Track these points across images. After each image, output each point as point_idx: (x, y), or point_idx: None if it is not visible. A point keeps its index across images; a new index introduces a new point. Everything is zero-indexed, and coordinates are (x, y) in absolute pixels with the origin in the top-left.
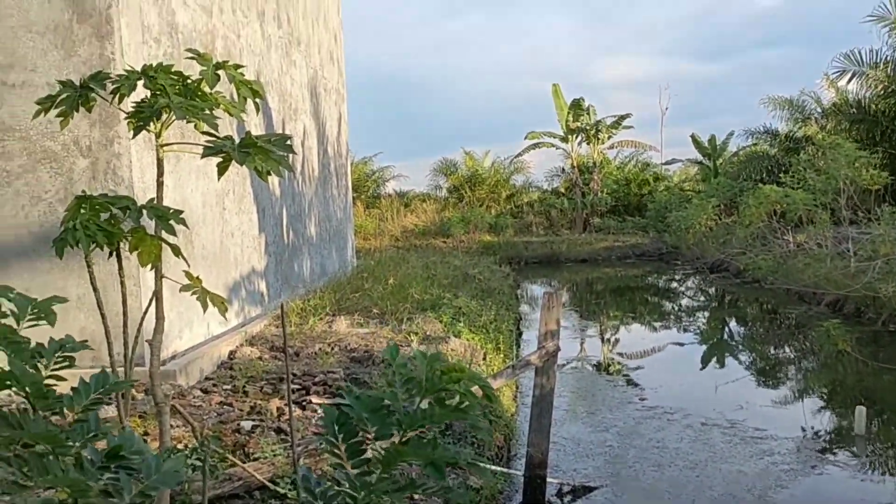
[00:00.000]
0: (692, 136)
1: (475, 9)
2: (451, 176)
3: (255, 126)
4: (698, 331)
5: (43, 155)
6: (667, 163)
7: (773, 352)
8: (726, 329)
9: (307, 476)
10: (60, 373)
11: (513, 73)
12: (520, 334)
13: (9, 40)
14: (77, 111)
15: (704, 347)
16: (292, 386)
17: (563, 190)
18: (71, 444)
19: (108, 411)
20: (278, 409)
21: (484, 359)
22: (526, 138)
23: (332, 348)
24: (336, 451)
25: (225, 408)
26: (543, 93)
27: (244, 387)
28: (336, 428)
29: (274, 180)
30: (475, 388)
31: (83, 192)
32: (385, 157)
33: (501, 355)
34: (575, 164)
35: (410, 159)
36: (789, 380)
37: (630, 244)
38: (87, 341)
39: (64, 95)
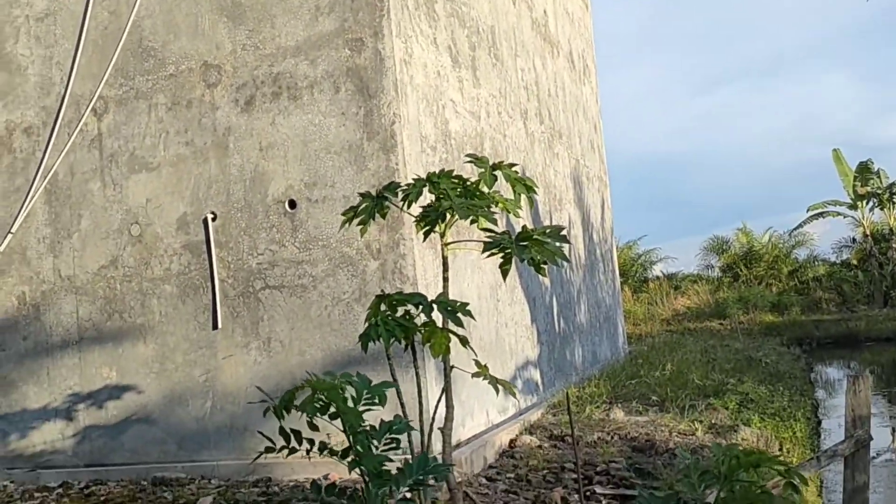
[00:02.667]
0: None
1: (735, 80)
2: (724, 254)
3: (524, 219)
4: None
5: (341, 260)
6: None
7: None
8: None
9: None
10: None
11: (783, 143)
12: (818, 423)
13: (312, 161)
14: (374, 219)
15: None
16: (573, 475)
17: (854, 262)
18: None
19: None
20: (562, 498)
21: (780, 449)
22: (808, 209)
23: (612, 437)
24: None
25: (510, 496)
26: (818, 161)
27: (527, 475)
28: None
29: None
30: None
31: (382, 291)
32: (650, 240)
33: (800, 446)
34: (868, 232)
35: (677, 240)
36: None
37: None
38: (411, 421)
39: (364, 205)
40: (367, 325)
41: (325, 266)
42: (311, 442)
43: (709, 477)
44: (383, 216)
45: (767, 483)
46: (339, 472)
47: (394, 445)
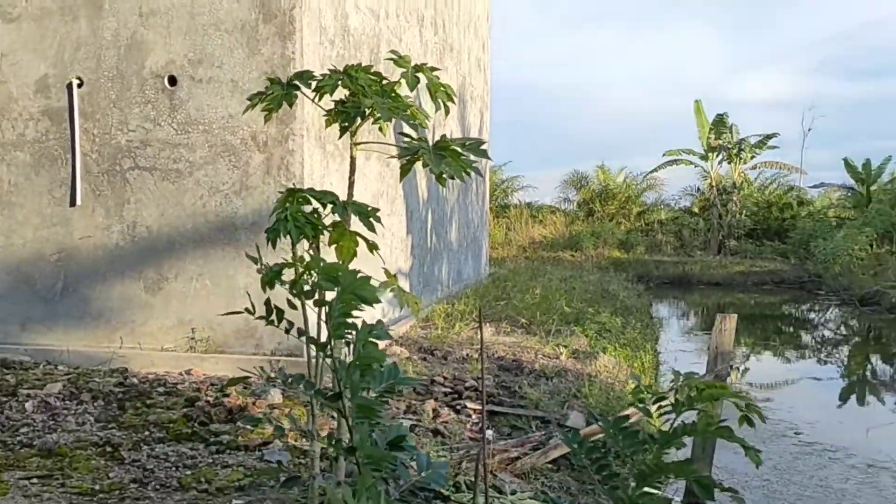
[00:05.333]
0: (845, 160)
1: (610, 21)
2: (582, 189)
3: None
4: (840, 366)
5: (223, 148)
6: (813, 186)
7: None
8: (872, 366)
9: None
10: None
11: (649, 89)
12: (658, 355)
13: (199, 37)
14: (280, 108)
15: (846, 384)
16: (443, 389)
17: (696, 209)
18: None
19: (275, 396)
20: (434, 409)
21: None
22: (664, 155)
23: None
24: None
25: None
26: (682, 110)
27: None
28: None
29: (422, 184)
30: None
31: (293, 186)
32: (514, 167)
33: (646, 375)
34: (714, 183)
35: (540, 170)
36: None
37: (768, 270)
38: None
39: (272, 93)
40: (273, 218)
41: (204, 152)
42: (291, 323)
43: (667, 404)
44: (291, 105)
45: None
46: (202, 369)
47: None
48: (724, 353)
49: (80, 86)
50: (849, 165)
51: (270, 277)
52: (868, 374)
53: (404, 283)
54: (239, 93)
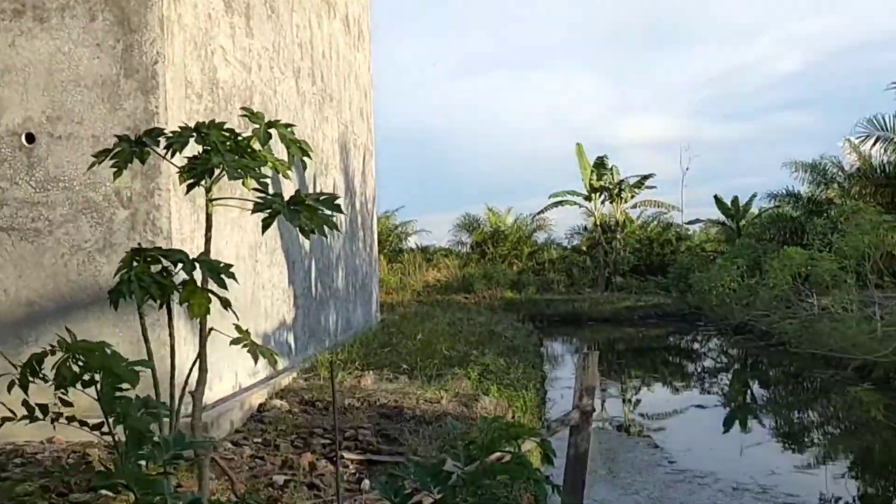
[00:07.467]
0: (715, 197)
1: (498, 68)
2: (475, 232)
3: (288, 181)
4: (722, 393)
5: (84, 205)
6: (689, 222)
7: (799, 416)
8: (749, 392)
9: None
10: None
11: (536, 133)
12: (545, 393)
13: (58, 93)
14: (131, 164)
15: (727, 410)
16: (322, 440)
17: (584, 248)
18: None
19: None
20: (310, 463)
21: (513, 418)
22: (550, 196)
23: (362, 403)
24: None
25: (257, 461)
26: (567, 153)
27: (275, 440)
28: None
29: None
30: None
31: (134, 243)
32: (407, 212)
33: (529, 413)
34: (598, 222)
35: (433, 214)
36: (817, 445)
37: (652, 304)
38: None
39: (119, 150)
40: (118, 279)
41: (65, 210)
42: (59, 413)
43: (474, 448)
44: (143, 162)
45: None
46: (64, 436)
47: (150, 420)
48: (589, 388)
49: None
50: (719, 202)
51: (29, 371)
52: (747, 399)
53: (288, 335)
54: (101, 148)
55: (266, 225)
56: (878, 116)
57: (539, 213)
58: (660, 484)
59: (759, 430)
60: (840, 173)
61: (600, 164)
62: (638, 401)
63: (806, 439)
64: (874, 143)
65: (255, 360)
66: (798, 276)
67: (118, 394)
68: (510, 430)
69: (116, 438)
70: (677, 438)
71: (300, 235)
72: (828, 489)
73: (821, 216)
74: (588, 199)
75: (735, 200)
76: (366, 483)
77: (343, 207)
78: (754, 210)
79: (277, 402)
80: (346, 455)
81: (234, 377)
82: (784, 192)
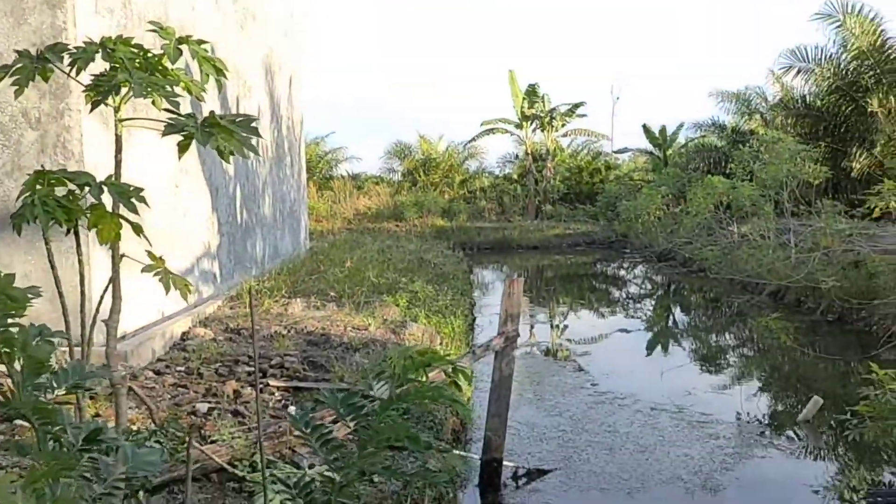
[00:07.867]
0: (643, 126)
1: None
2: (406, 159)
3: (210, 104)
4: (645, 318)
5: None
6: (618, 151)
7: (716, 340)
8: (671, 317)
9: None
10: None
11: (469, 57)
12: (473, 319)
13: None
14: (33, 81)
15: (650, 334)
16: (247, 368)
17: (515, 176)
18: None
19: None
20: (234, 391)
21: (441, 344)
22: (482, 125)
23: (289, 331)
24: (309, 443)
25: (179, 390)
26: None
27: (199, 369)
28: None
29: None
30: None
31: (42, 166)
32: (338, 138)
33: (457, 340)
34: (529, 151)
35: (364, 141)
36: (732, 367)
37: (580, 232)
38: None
39: (20, 66)
40: (20, 203)
41: None
42: None
43: (386, 377)
44: (45, 79)
45: (431, 374)
46: None
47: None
48: (514, 315)
49: None
50: (647, 131)
51: None
52: (668, 324)
53: (212, 263)
54: (2, 64)
55: (182, 148)
56: (800, 47)
57: (470, 140)
58: (582, 405)
59: (679, 353)
60: (764, 104)
61: (532, 92)
62: (565, 326)
63: (721, 361)
64: (796, 74)
65: (167, 290)
66: (720, 205)
67: (14, 320)
68: (421, 359)
69: (18, 368)
70: (601, 362)
71: (223, 162)
72: (741, 407)
73: (744, 146)
74: (519, 127)
75: (662, 130)
76: (291, 409)
77: (268, 131)
78: (681, 140)
79: (201, 330)
80: (272, 382)
81: (156, 306)
82: (709, 122)
